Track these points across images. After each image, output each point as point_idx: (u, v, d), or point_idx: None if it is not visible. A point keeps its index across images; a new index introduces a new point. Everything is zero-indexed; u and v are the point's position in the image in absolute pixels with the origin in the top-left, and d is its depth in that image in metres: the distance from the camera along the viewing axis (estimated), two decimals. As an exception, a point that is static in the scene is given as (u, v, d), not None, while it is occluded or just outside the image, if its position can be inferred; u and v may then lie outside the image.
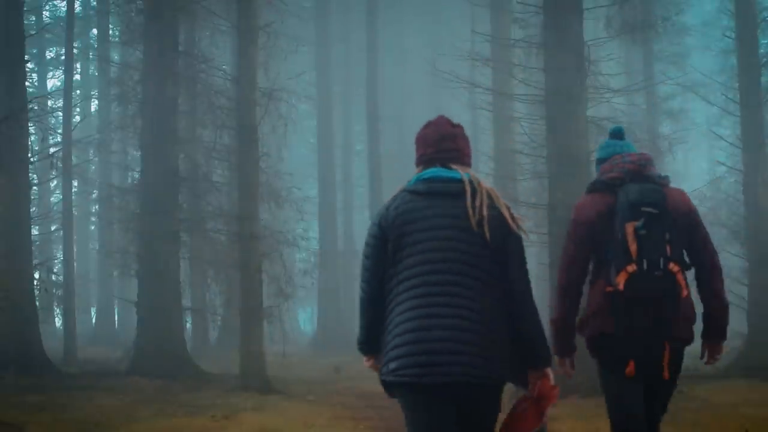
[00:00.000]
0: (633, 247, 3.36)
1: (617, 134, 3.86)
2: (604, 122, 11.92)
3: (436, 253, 2.99)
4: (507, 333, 3.02)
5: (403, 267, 3.03)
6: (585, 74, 11.20)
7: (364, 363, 3.32)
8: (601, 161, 3.81)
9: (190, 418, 8.52)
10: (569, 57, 10.91)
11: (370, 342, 3.20)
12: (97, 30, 27.28)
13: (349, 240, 24.86)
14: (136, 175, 15.58)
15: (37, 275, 14.18)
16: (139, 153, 14.69)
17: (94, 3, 27.98)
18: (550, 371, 3.21)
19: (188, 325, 17.99)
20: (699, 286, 3.62)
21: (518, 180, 15.43)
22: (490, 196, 3.07)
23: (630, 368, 3.46)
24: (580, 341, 3.75)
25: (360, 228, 26.82)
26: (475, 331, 2.92)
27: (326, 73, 25.07)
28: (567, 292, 3.65)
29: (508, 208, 3.09)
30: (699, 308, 3.61)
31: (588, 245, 3.58)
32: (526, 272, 3.10)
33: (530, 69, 12.70)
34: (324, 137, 24.94)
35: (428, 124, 3.28)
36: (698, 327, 3.69)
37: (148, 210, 13.56)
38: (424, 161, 3.21)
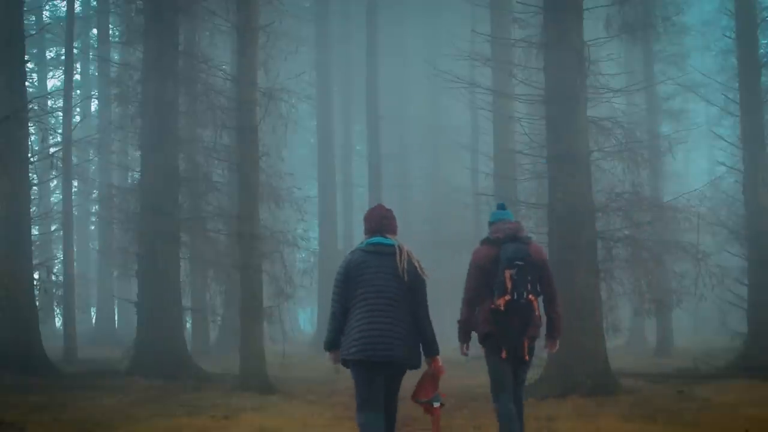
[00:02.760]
0: (509, 285, 5.65)
1: (502, 207, 6.23)
2: (604, 122, 11.92)
3: (377, 288, 5.09)
4: (416, 334, 5.14)
5: (360, 294, 5.10)
6: (585, 74, 11.20)
7: (328, 356, 5.29)
8: (491, 224, 6.05)
9: (190, 418, 8.51)
10: (569, 57, 10.91)
11: (335, 342, 5.20)
12: (97, 30, 27.28)
13: (349, 240, 24.83)
14: (136, 175, 15.58)
15: (37, 275, 14.19)
16: (139, 153, 14.67)
17: (94, 3, 27.99)
18: (438, 357, 5.26)
19: (188, 325, 17.98)
20: (545, 307, 5.94)
21: (518, 180, 15.43)
22: (408, 255, 5.19)
23: (504, 354, 5.73)
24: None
25: (360, 228, 26.74)
26: (397, 334, 5.03)
27: (326, 73, 25.05)
28: (469, 304, 5.88)
29: (418, 262, 5.21)
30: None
31: (481, 277, 5.81)
32: (425, 300, 5.22)
33: (530, 69, 12.69)
34: (324, 137, 24.91)
35: (372, 209, 5.51)
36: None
37: (148, 210, 13.55)
38: (370, 231, 5.33)
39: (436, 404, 5.23)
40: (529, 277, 5.70)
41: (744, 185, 14.13)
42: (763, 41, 16.18)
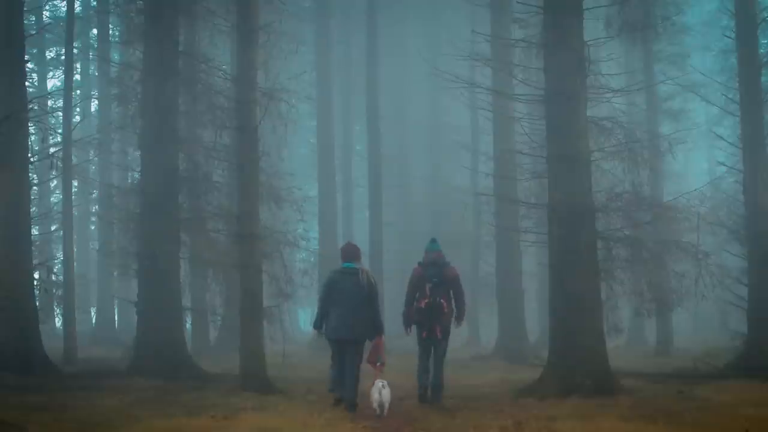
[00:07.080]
0: (428, 292, 9.66)
1: (434, 241, 10.10)
2: (604, 122, 11.91)
3: (346, 295, 9.11)
4: (370, 322, 9.22)
5: (335, 298, 9.18)
6: (585, 74, 11.19)
7: (316, 333, 9.83)
8: (426, 252, 9.92)
9: (190, 418, 8.51)
10: (569, 57, 10.91)
11: (320, 324, 9.38)
12: (97, 30, 27.28)
13: (349, 240, 24.85)
14: (136, 175, 15.55)
15: (37, 275, 14.18)
16: (139, 153, 14.66)
17: (94, 3, 27.98)
18: (382, 336, 9.40)
19: (188, 325, 17.97)
20: (455, 304, 9.85)
21: (518, 180, 15.41)
22: (367, 274, 9.29)
23: (424, 335, 9.77)
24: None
25: (360, 228, 26.81)
26: (359, 321, 9.12)
27: (326, 73, 25.01)
28: (408, 303, 9.88)
29: (372, 277, 9.36)
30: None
31: (414, 288, 9.84)
32: (377, 301, 9.32)
33: (530, 69, 12.68)
34: (324, 137, 24.86)
35: (345, 246, 9.85)
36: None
37: (148, 210, 13.55)
38: (343, 259, 9.37)
39: (378, 363, 9.11)
40: (442, 289, 9.67)
41: (744, 185, 14.10)
42: (763, 41, 16.17)
